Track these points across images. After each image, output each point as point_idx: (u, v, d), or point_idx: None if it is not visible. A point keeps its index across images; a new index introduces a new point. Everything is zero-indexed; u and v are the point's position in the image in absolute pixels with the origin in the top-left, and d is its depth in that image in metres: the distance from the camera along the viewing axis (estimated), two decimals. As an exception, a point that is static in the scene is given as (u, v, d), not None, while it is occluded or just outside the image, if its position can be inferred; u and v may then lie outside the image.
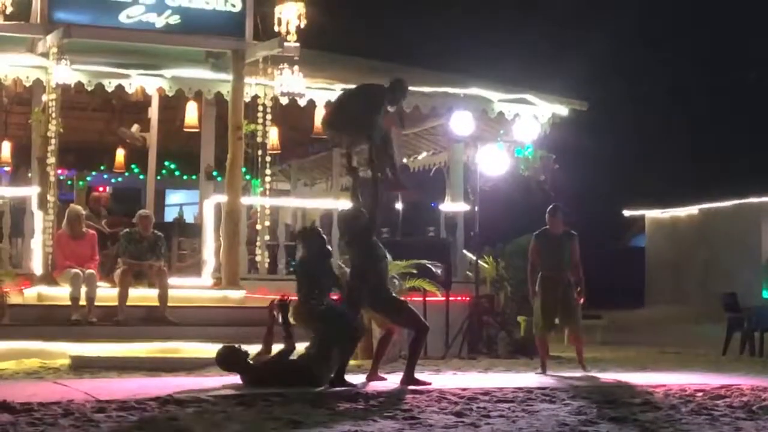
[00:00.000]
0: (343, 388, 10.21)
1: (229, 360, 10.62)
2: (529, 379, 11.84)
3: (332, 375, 10.59)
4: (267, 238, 15.97)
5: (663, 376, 12.65)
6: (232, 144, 15.18)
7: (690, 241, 30.91)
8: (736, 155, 33.72)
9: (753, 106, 34.86)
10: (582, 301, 13.04)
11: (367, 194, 11.36)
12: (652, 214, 33.24)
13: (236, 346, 10.73)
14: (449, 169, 18.45)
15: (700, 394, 10.47)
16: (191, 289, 14.96)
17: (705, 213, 30.63)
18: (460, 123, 16.36)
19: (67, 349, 12.53)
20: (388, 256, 11.62)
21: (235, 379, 10.49)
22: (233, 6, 15.18)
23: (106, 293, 13.94)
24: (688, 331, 22.63)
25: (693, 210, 31.15)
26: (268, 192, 15.89)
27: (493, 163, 16.63)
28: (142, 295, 14.10)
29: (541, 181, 17.01)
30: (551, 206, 13.18)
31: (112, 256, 15.01)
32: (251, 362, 10.50)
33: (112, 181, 23.14)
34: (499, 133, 17.48)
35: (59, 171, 15.26)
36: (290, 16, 15.06)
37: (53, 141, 14.33)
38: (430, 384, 10.73)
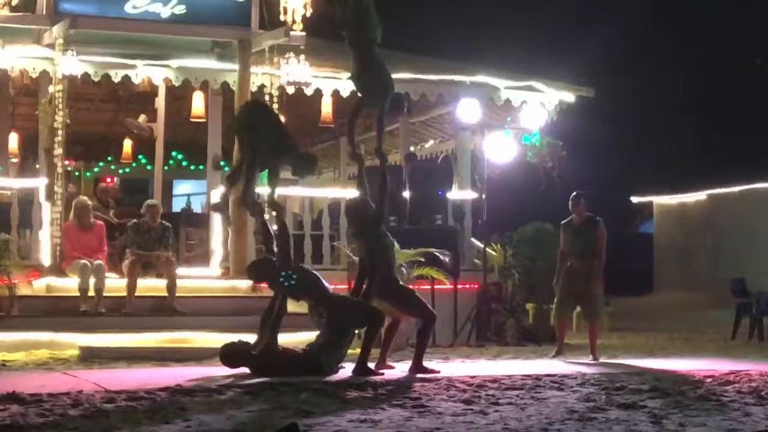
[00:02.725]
0: (354, 376, 10.23)
1: (232, 356, 10.63)
2: (538, 366, 11.85)
3: (342, 365, 10.64)
4: (275, 227, 15.94)
5: (671, 361, 12.66)
6: (239, 133, 15.17)
7: (698, 226, 30.86)
8: (745, 140, 33.63)
9: (761, 91, 34.76)
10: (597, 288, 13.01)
11: (374, 184, 11.34)
12: (660, 200, 33.19)
13: (237, 341, 10.76)
14: (456, 157, 18.42)
15: (709, 379, 10.48)
16: (199, 279, 14.97)
17: (713, 198, 30.57)
18: (467, 110, 16.35)
19: (76, 340, 12.56)
20: (396, 244, 11.63)
21: (243, 368, 10.51)
22: (239, -5, 15.18)
23: (115, 284, 13.96)
24: (697, 317, 22.61)
25: (701, 196, 31.09)
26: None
27: (500, 150, 16.61)
28: (151, 285, 14.12)
29: (548, 168, 17.00)
30: (573, 194, 13.18)
31: (120, 246, 15.03)
32: (254, 353, 10.53)
33: (120, 171, 23.16)
34: (506, 120, 17.46)
35: (66, 162, 15.27)
36: (296, 5, 15.04)
37: (60, 132, 14.34)
38: (438, 372, 10.75)
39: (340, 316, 10.72)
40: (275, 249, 11.09)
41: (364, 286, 11.00)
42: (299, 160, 11.32)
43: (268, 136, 10.99)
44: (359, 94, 11.77)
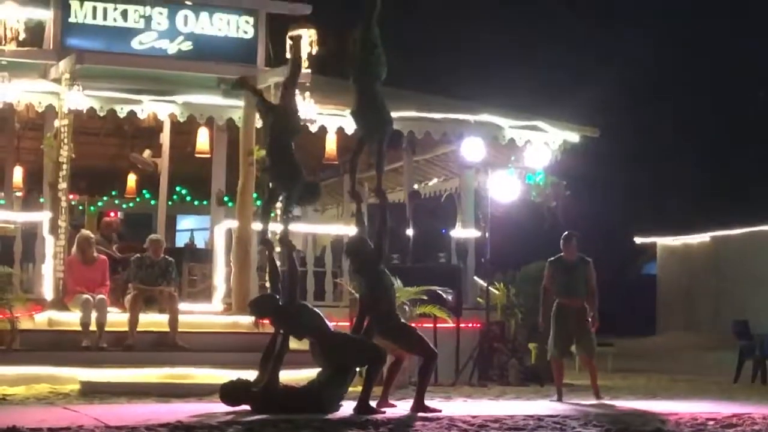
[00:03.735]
0: (356, 415, 10.19)
1: (233, 394, 10.57)
2: (540, 406, 11.79)
3: (341, 402, 10.58)
4: (278, 263, 15.94)
5: (674, 404, 12.59)
6: (243, 170, 15.22)
7: (702, 268, 30.83)
8: (748, 183, 33.68)
9: (765, 133, 34.82)
10: (595, 328, 13.03)
11: (375, 221, 11.33)
12: (663, 241, 33.18)
13: (236, 379, 10.71)
14: (460, 195, 18.44)
15: (712, 422, 10.41)
16: (202, 314, 14.94)
17: (717, 241, 30.56)
18: (472, 149, 16.40)
19: (77, 375, 12.51)
20: (397, 282, 11.60)
21: (245, 406, 10.46)
22: (245, 33, 15.24)
23: (117, 318, 13.94)
24: (700, 359, 22.55)
25: (705, 237, 31.09)
26: (278, 218, 15.88)
27: (504, 189, 16.64)
28: (153, 320, 14.09)
29: (552, 207, 17.01)
30: (566, 233, 13.21)
31: (123, 281, 15.01)
32: (255, 390, 10.48)
33: (124, 206, 23.18)
34: (510, 159, 17.50)
35: (71, 196, 15.28)
36: (302, 42, 15.10)
37: (65, 166, 14.36)
38: (440, 411, 10.70)
39: (341, 353, 10.68)
40: (280, 286, 11.09)
41: (366, 324, 10.97)
42: (305, 188, 11.38)
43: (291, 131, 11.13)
44: (359, 130, 11.79)
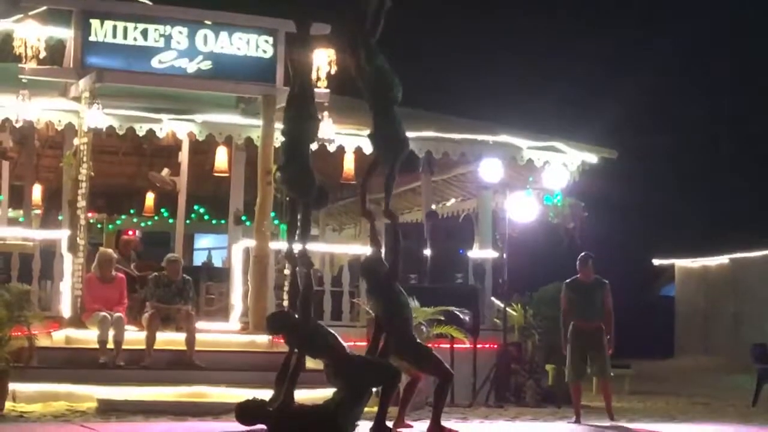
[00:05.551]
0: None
1: (248, 413, 10.54)
2: (557, 428, 11.76)
3: (357, 423, 10.54)
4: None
5: (692, 427, 12.54)
6: (261, 189, 15.23)
7: (720, 290, 30.69)
8: (767, 205, 33.55)
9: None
10: (611, 351, 13.02)
11: (388, 242, 11.31)
12: (682, 263, 33.06)
13: (252, 398, 10.68)
14: (478, 216, 18.43)
15: (730, 446, 10.38)
16: (219, 333, 14.94)
17: (735, 263, 30.43)
18: (490, 170, 16.39)
19: (94, 392, 12.52)
20: (414, 302, 11.57)
21: (260, 425, 10.45)
22: (264, 52, 15.28)
23: (134, 337, 13.95)
24: (718, 382, 22.43)
25: (723, 260, 30.96)
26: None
27: (522, 210, 16.62)
28: (170, 338, 14.10)
29: (570, 228, 16.99)
30: (582, 255, 13.23)
31: (141, 299, 15.04)
32: (271, 409, 10.45)
33: (142, 224, 23.24)
34: (528, 180, 17.48)
35: (89, 214, 15.33)
36: (321, 62, 15.17)
37: (84, 184, 14.40)
38: (456, 432, 10.67)
39: (356, 374, 10.63)
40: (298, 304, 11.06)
41: (381, 344, 10.94)
42: (319, 192, 11.35)
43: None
44: (374, 152, 11.79)
